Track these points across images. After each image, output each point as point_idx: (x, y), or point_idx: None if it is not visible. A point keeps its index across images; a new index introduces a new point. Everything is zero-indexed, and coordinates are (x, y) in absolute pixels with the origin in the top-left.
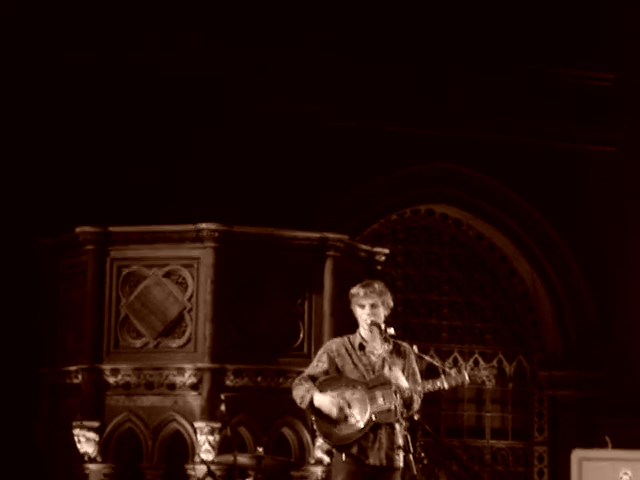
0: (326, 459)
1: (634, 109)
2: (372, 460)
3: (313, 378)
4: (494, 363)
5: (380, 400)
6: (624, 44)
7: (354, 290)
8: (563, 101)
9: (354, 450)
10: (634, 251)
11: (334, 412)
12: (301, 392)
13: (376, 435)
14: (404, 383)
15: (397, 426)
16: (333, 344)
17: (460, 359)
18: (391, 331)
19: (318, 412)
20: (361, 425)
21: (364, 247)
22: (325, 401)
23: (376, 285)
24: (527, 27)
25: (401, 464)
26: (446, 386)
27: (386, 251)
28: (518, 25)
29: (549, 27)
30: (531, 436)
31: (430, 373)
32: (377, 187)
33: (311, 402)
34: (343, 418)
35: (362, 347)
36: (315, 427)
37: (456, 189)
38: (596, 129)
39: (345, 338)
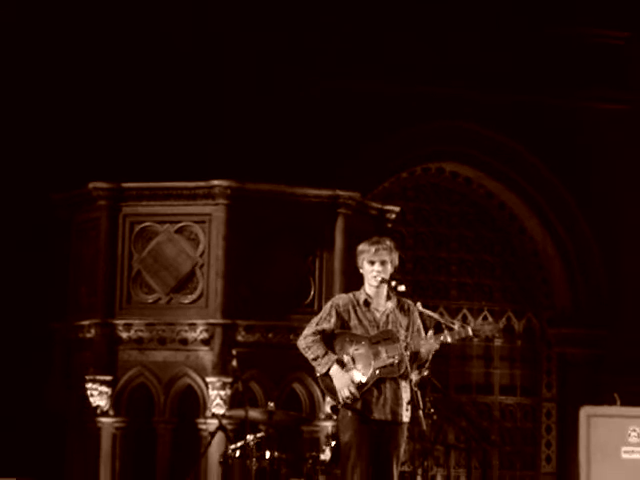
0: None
1: None
2: (377, 415)
3: (322, 333)
4: (503, 320)
5: (384, 355)
6: (638, 2)
7: (363, 246)
8: (577, 60)
9: (358, 405)
10: None
11: (344, 392)
12: (319, 353)
13: (380, 390)
14: (420, 346)
15: (402, 381)
16: (340, 299)
17: (469, 316)
18: (402, 288)
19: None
20: (364, 380)
21: (375, 205)
22: (339, 377)
23: (387, 242)
24: None
25: (406, 419)
26: (449, 340)
27: (397, 209)
28: None
29: None
30: (539, 393)
31: (438, 331)
32: (388, 146)
33: (328, 369)
34: (348, 398)
35: (367, 303)
36: (320, 382)
37: (467, 147)
38: (609, 88)
39: (351, 294)
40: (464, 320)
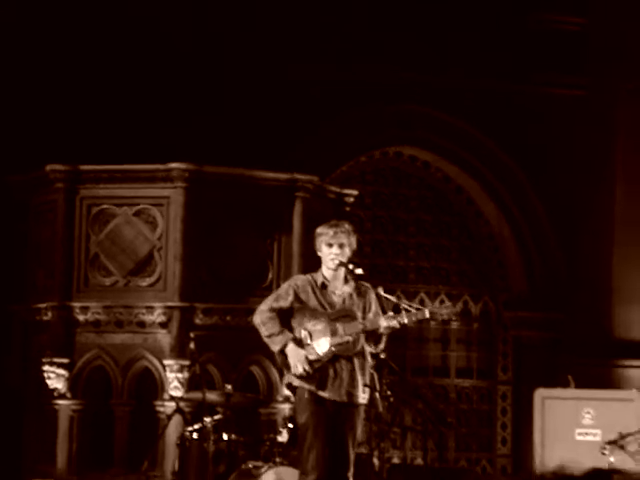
0: (289, 394)
1: (604, 53)
2: (332, 396)
3: (279, 310)
4: (460, 304)
5: (340, 331)
6: None
7: (322, 229)
8: (533, 45)
9: (313, 385)
10: (600, 194)
11: (297, 369)
12: (274, 330)
13: (336, 372)
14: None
15: (357, 362)
16: (298, 280)
17: (427, 300)
18: (359, 271)
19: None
20: (321, 353)
21: (333, 188)
22: (294, 354)
23: (346, 225)
24: None
25: (361, 400)
26: (406, 320)
27: (355, 193)
28: None
29: None
30: (495, 375)
31: (396, 313)
32: (346, 129)
33: (282, 347)
34: (301, 374)
35: (324, 286)
36: (277, 358)
37: (425, 131)
38: (566, 73)
39: (309, 276)
40: (421, 303)
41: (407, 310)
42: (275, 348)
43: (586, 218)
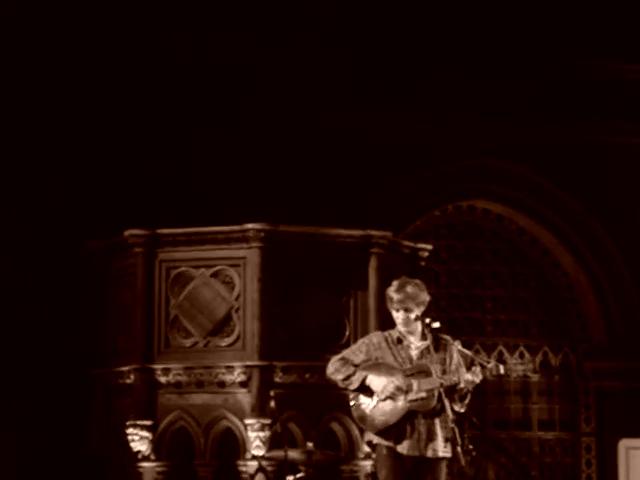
0: (370, 450)
1: None
2: (411, 451)
3: (350, 363)
4: (540, 356)
5: (415, 387)
6: None
7: (389, 293)
8: (607, 94)
9: (391, 440)
10: None
11: (389, 388)
12: (349, 372)
13: (413, 426)
14: (456, 377)
15: (437, 417)
16: (374, 337)
17: (505, 352)
18: (436, 325)
19: (361, 391)
20: (394, 413)
21: (407, 243)
22: (378, 381)
23: (409, 289)
24: (560, 21)
25: (441, 454)
26: (480, 377)
27: (429, 247)
28: (550, 19)
29: (582, 20)
30: (578, 427)
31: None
32: (419, 184)
33: (362, 381)
34: (397, 393)
35: (400, 341)
36: (353, 412)
37: (497, 184)
38: (636, 121)
39: (385, 332)
40: (500, 356)
41: (482, 366)
42: (356, 384)
43: None
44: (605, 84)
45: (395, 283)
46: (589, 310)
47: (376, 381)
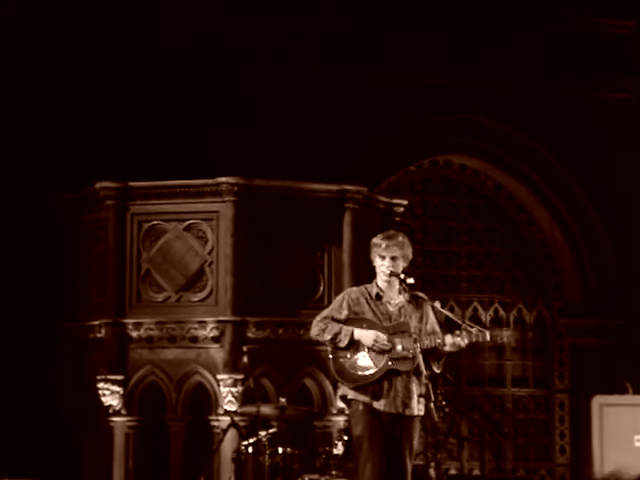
0: (344, 406)
1: None
2: (388, 408)
3: (333, 319)
4: (514, 312)
5: (398, 347)
6: None
7: (376, 240)
8: (582, 49)
9: (368, 396)
10: None
11: (377, 344)
12: (335, 330)
13: (391, 383)
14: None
15: (413, 374)
16: (352, 293)
17: (480, 309)
18: (410, 281)
19: (345, 349)
20: (376, 370)
21: (382, 199)
22: (366, 333)
23: (400, 237)
24: None
25: (416, 412)
26: (466, 342)
27: (404, 202)
28: None
29: None
30: (552, 384)
31: (450, 328)
32: (394, 139)
33: (350, 337)
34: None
35: (379, 297)
36: (331, 366)
37: (475, 140)
38: (615, 76)
39: (362, 288)
40: (475, 312)
41: (468, 331)
42: (345, 341)
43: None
44: (582, 39)
45: (383, 233)
46: (564, 267)
47: (366, 334)
